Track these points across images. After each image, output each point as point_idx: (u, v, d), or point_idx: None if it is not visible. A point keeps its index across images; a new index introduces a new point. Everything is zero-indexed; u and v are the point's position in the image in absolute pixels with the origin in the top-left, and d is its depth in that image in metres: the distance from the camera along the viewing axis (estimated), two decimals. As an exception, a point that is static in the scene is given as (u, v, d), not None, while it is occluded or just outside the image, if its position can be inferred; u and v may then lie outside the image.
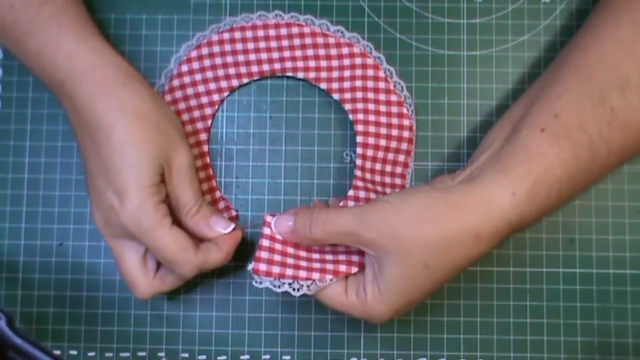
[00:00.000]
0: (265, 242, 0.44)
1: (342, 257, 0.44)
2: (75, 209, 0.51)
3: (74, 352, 0.50)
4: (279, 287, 0.43)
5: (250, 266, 0.43)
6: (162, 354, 0.50)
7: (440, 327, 0.49)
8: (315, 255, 0.44)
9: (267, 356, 0.50)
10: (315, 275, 0.43)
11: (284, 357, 0.49)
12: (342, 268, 0.43)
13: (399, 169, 0.49)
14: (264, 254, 0.43)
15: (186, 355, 0.50)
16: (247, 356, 0.50)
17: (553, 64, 0.46)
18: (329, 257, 0.44)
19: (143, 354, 0.50)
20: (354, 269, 0.43)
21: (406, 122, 0.49)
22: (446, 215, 0.40)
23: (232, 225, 0.46)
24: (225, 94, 0.51)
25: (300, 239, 0.44)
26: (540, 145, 0.41)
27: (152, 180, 0.42)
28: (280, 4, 0.52)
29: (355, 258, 0.44)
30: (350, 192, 0.48)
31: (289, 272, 0.43)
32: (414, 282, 0.41)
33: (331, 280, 0.43)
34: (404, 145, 0.49)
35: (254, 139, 0.51)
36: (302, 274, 0.43)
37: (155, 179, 0.42)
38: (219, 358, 0.50)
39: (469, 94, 0.51)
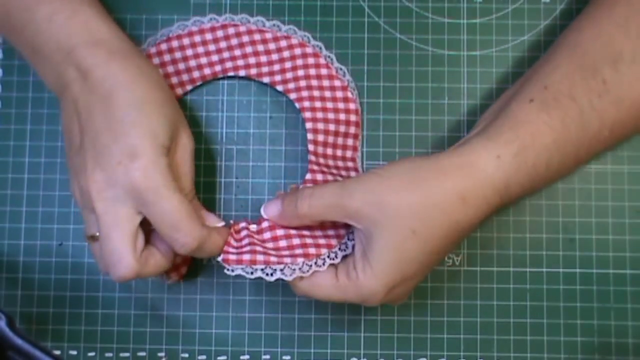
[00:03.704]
0: (233, 242, 0.45)
1: (309, 241, 0.44)
2: (75, 209, 0.51)
3: (74, 352, 0.50)
4: (252, 273, 0.43)
5: (220, 257, 0.43)
6: (162, 354, 0.50)
7: (440, 327, 0.49)
8: (283, 243, 0.44)
9: (267, 356, 0.50)
10: (287, 260, 0.43)
11: (284, 357, 0.49)
12: (312, 250, 0.43)
13: (349, 153, 0.49)
14: (232, 249, 0.44)
15: (186, 355, 0.50)
16: (247, 356, 0.50)
17: (550, 47, 0.46)
18: (295, 241, 0.44)
19: (143, 354, 0.50)
20: (323, 250, 0.43)
21: (352, 105, 0.50)
22: (430, 178, 0.40)
23: (223, 222, 0.46)
24: None
25: (289, 219, 0.44)
26: (528, 114, 0.41)
27: (165, 141, 0.41)
28: (280, 4, 0.52)
29: (322, 241, 0.44)
30: (308, 176, 0.48)
31: (260, 257, 0.43)
32: (403, 251, 0.40)
33: (304, 263, 0.42)
34: (352, 129, 0.49)
35: (254, 139, 0.51)
36: (274, 259, 0.43)
37: (168, 142, 0.42)
38: (219, 358, 0.50)
39: (469, 94, 0.51)
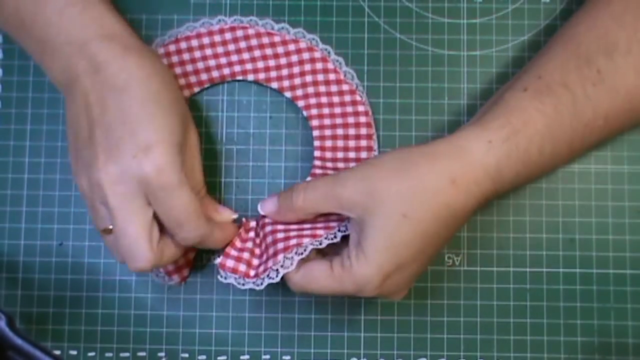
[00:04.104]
0: (237, 243, 0.45)
1: (293, 234, 0.44)
2: (75, 209, 0.51)
3: (74, 352, 0.50)
4: (243, 285, 0.43)
5: (217, 260, 0.44)
6: (162, 354, 0.50)
7: (440, 327, 0.49)
8: (269, 239, 0.44)
9: (267, 356, 0.50)
10: (269, 263, 0.43)
11: (284, 357, 0.49)
12: (293, 242, 0.43)
13: (363, 154, 0.49)
14: (233, 252, 0.44)
15: (186, 355, 0.50)
16: (247, 356, 0.50)
17: (547, 42, 0.47)
18: (280, 235, 0.44)
19: (143, 354, 0.50)
20: (305, 240, 0.43)
21: (361, 108, 0.50)
22: (420, 163, 0.40)
23: (236, 215, 0.46)
24: None
25: (284, 214, 0.44)
26: (521, 101, 0.42)
27: (180, 138, 0.42)
28: (280, 4, 0.52)
29: (307, 232, 0.44)
30: (309, 179, 0.48)
31: (252, 272, 0.44)
32: (396, 235, 0.40)
33: (284, 257, 0.42)
34: (363, 130, 0.49)
35: (254, 139, 0.51)
36: (262, 268, 0.43)
37: (181, 139, 0.42)
38: (219, 358, 0.50)
39: (469, 94, 0.51)
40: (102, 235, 0.43)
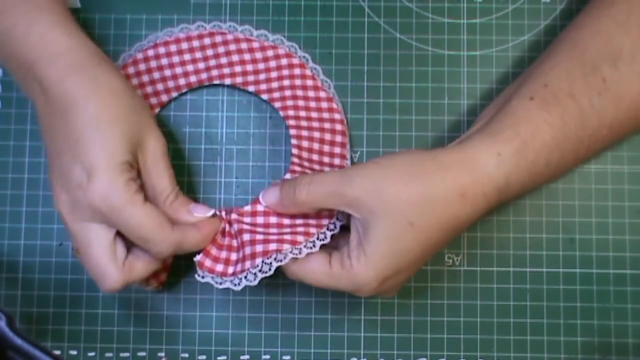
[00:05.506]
0: (220, 239, 0.45)
1: (273, 237, 0.43)
2: (75, 209, 0.51)
3: (74, 352, 0.50)
4: (221, 283, 0.43)
5: (197, 258, 0.43)
6: (162, 354, 0.50)
7: (440, 327, 0.49)
8: (247, 250, 0.43)
9: (267, 356, 0.50)
10: (247, 265, 0.42)
11: (284, 357, 0.49)
12: (272, 246, 0.43)
13: (336, 161, 0.49)
14: (214, 251, 0.44)
15: (186, 355, 0.50)
16: (247, 356, 0.50)
17: (550, 44, 0.46)
18: (259, 237, 0.43)
19: (143, 354, 0.50)
20: (286, 246, 0.42)
21: (337, 115, 0.50)
22: (431, 172, 0.40)
23: (213, 210, 0.45)
24: (156, 110, 0.51)
25: (286, 206, 0.44)
26: (528, 111, 0.42)
27: (124, 157, 0.41)
28: (280, 4, 0.52)
29: (287, 237, 0.43)
30: (287, 176, 0.48)
31: (230, 269, 0.43)
32: (400, 242, 0.40)
33: (263, 262, 0.42)
34: (338, 138, 0.49)
35: (254, 139, 0.51)
36: (239, 267, 0.43)
37: (127, 157, 0.41)
38: (219, 358, 0.50)
39: (469, 94, 0.51)
40: (75, 255, 0.43)
